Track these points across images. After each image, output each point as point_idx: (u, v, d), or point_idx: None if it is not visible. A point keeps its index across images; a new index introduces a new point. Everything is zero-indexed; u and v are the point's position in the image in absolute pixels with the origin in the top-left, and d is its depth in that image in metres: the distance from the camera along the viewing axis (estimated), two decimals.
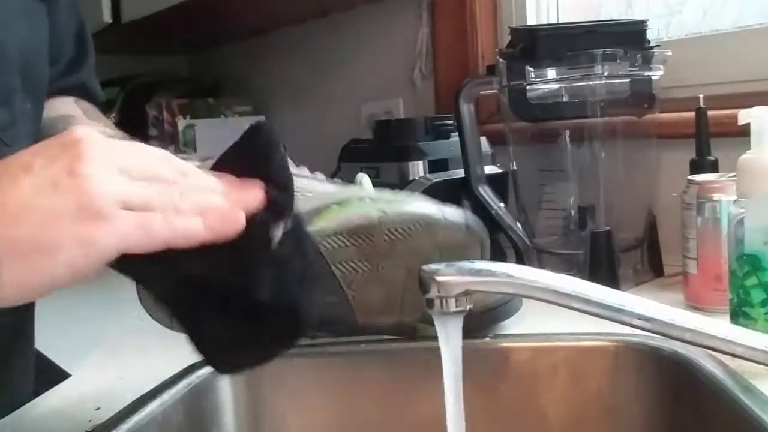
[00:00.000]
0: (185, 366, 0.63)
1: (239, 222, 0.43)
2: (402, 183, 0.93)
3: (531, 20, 1.19)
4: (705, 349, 0.54)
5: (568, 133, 0.90)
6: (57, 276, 0.40)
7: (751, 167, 0.60)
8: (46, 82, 0.67)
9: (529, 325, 0.70)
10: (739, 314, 0.62)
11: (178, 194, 0.43)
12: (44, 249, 0.40)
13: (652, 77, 0.85)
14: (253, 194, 0.45)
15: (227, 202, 0.44)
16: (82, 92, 0.74)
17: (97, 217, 0.40)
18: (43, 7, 0.65)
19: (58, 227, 0.40)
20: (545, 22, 1.19)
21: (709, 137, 0.84)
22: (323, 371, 0.67)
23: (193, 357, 0.64)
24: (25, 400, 0.63)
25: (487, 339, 0.67)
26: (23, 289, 0.41)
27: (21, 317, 0.70)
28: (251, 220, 0.43)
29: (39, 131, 0.65)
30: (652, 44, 0.85)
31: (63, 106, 0.71)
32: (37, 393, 0.64)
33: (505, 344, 0.66)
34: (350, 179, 0.70)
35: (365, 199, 0.59)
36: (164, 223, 0.42)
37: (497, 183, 0.97)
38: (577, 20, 1.14)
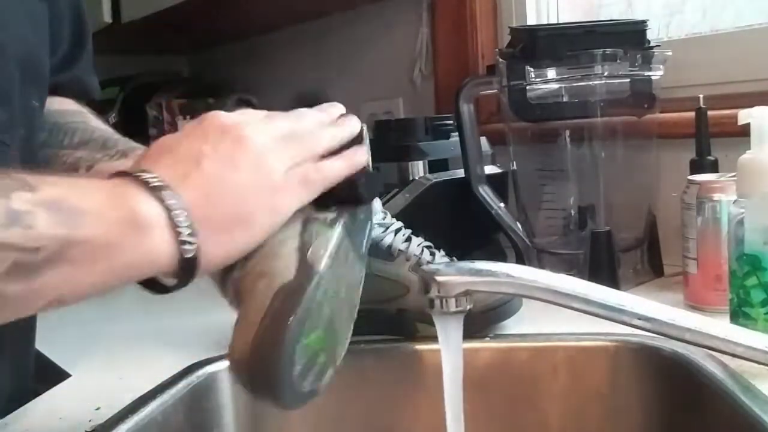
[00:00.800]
0: (185, 366, 0.63)
1: (365, 155, 0.55)
2: (402, 183, 0.93)
3: (531, 20, 1.19)
4: (705, 349, 0.55)
5: (568, 133, 0.90)
6: (254, 242, 0.47)
7: (751, 167, 0.60)
8: (48, 79, 0.67)
9: (529, 325, 0.70)
10: (739, 314, 0.62)
11: (322, 138, 0.52)
12: (241, 224, 0.46)
13: (652, 77, 0.85)
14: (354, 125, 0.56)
15: (347, 134, 0.54)
16: (77, 87, 0.74)
17: (278, 187, 0.47)
18: (44, 6, 0.65)
19: (251, 203, 0.46)
20: (545, 22, 1.18)
21: (709, 137, 0.84)
22: None
23: (193, 357, 0.65)
24: (24, 400, 0.63)
25: (487, 339, 0.67)
26: (227, 257, 0.47)
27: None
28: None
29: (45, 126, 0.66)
30: (652, 44, 0.85)
31: (65, 103, 0.72)
32: (37, 393, 0.64)
33: (505, 344, 0.66)
34: None
35: None
36: (318, 174, 0.50)
37: (497, 183, 0.97)
38: (577, 20, 1.14)
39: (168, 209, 0.43)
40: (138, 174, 0.45)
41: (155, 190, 0.44)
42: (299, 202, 0.49)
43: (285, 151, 0.49)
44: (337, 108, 0.57)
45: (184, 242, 0.43)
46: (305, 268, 0.47)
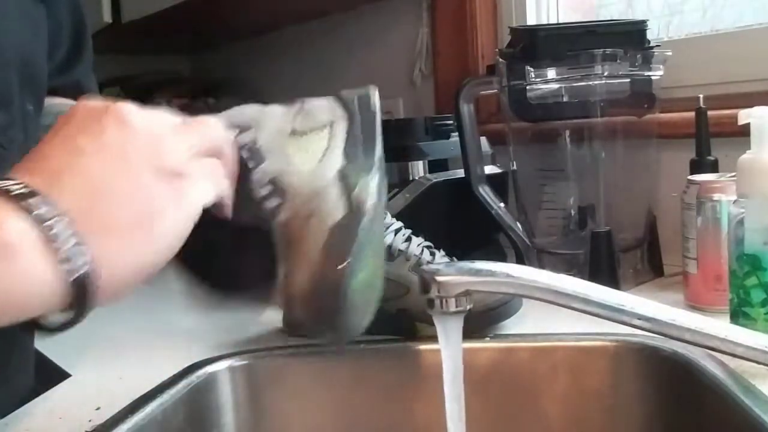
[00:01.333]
0: (185, 366, 0.63)
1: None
2: (402, 183, 0.93)
3: (531, 20, 1.19)
4: (705, 349, 0.54)
5: (568, 133, 0.90)
6: (165, 245, 0.39)
7: (751, 167, 0.60)
8: (45, 83, 0.67)
9: (529, 325, 0.70)
10: (739, 314, 0.62)
11: (219, 138, 0.45)
12: (144, 222, 0.38)
13: (652, 77, 0.85)
14: None
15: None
16: (75, 91, 0.74)
17: (175, 175, 0.39)
18: (42, 8, 0.65)
19: (149, 198, 0.38)
20: (545, 22, 1.18)
21: (709, 137, 0.83)
22: (323, 371, 0.67)
23: (193, 357, 0.65)
24: (24, 397, 0.63)
25: (487, 339, 0.67)
26: (135, 270, 0.38)
27: None
28: None
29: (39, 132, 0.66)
30: (652, 44, 0.85)
31: (62, 102, 0.72)
32: (37, 393, 0.64)
33: (505, 344, 0.66)
34: None
35: None
36: (224, 168, 0.44)
37: (497, 183, 0.97)
38: (577, 20, 1.14)
39: (39, 221, 0.34)
40: (7, 184, 0.35)
41: (19, 199, 0.34)
42: (204, 196, 0.41)
43: (184, 135, 0.42)
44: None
45: (66, 260, 0.34)
46: (353, 207, 0.48)
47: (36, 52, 0.64)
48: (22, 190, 0.35)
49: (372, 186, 0.50)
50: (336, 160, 0.50)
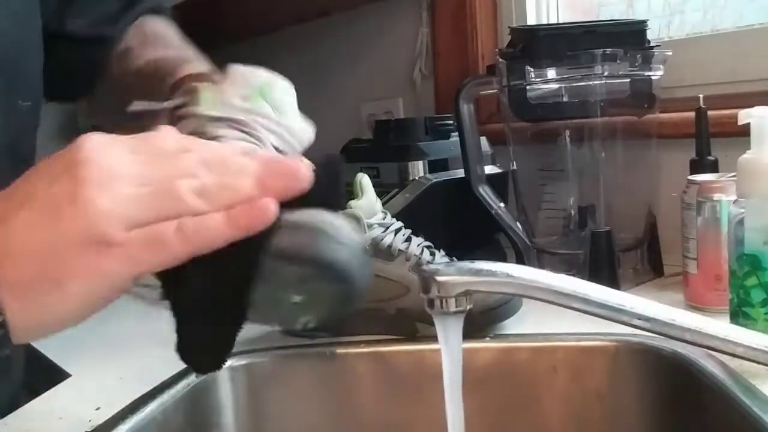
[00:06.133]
0: (185, 366, 0.63)
1: (270, 214, 0.39)
2: (402, 183, 0.93)
3: (531, 20, 1.19)
4: (705, 349, 0.54)
5: (568, 133, 0.90)
6: (70, 311, 0.38)
7: (751, 167, 0.60)
8: (40, 75, 0.66)
9: (529, 325, 0.70)
10: (739, 314, 0.62)
11: (196, 193, 0.39)
12: (49, 286, 0.37)
13: (652, 77, 0.85)
14: (290, 178, 0.40)
15: (258, 187, 0.39)
16: (159, 12, 0.75)
17: (102, 244, 0.37)
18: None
19: (61, 262, 0.37)
20: (545, 22, 1.18)
21: (709, 137, 0.83)
22: (323, 371, 0.67)
23: None
24: (15, 391, 0.63)
25: (487, 339, 0.67)
26: (36, 328, 0.39)
27: None
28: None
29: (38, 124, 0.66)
30: (652, 44, 0.85)
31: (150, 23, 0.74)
32: (37, 393, 0.64)
33: (505, 344, 0.66)
34: (350, 179, 0.70)
35: None
36: (178, 235, 0.38)
37: (497, 183, 0.97)
38: (577, 20, 1.14)
39: None
40: None
41: None
42: (135, 268, 0.38)
43: (141, 200, 0.38)
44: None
45: None
46: None
47: (22, 47, 0.63)
48: None
49: None
50: None
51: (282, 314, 0.47)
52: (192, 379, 0.61)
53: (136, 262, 0.38)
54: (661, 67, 0.85)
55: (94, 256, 0.37)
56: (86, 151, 0.38)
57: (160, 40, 0.74)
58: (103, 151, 0.39)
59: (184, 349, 0.45)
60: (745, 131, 0.60)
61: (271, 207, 0.38)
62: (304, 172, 0.40)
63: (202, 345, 0.45)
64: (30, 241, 0.37)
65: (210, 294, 0.42)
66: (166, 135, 0.42)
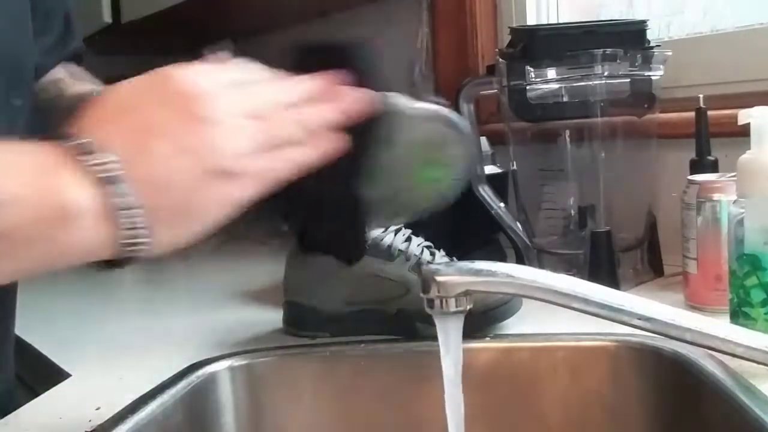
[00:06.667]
0: (185, 366, 0.63)
1: (343, 142, 0.47)
2: None
3: (531, 20, 1.19)
4: (705, 349, 0.54)
5: (568, 133, 0.90)
6: (198, 233, 0.44)
7: (751, 167, 0.60)
8: (32, 75, 0.67)
9: (529, 325, 0.70)
10: (739, 314, 0.62)
11: (291, 123, 0.46)
12: (190, 214, 0.42)
13: (652, 77, 0.85)
14: (355, 101, 0.48)
15: (334, 113, 0.47)
16: (75, 60, 0.76)
17: (230, 176, 0.42)
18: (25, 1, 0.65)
19: (199, 193, 0.42)
20: (545, 22, 1.18)
21: (709, 137, 0.83)
22: (323, 371, 0.67)
23: (193, 357, 0.65)
24: (9, 385, 0.63)
25: (487, 339, 0.67)
26: (175, 243, 0.43)
27: (1, 302, 0.69)
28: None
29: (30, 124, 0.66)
30: (652, 44, 0.85)
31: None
32: (36, 393, 0.64)
33: (505, 344, 0.66)
34: None
35: None
36: (285, 161, 0.45)
37: (497, 183, 0.97)
38: (577, 20, 1.14)
39: (113, 202, 0.39)
40: (79, 144, 0.40)
41: (102, 184, 0.39)
42: (256, 191, 0.44)
43: (250, 133, 0.44)
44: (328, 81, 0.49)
45: (129, 242, 0.40)
46: None
47: (17, 43, 0.64)
48: (104, 174, 0.39)
49: None
50: None
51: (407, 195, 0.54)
52: (192, 379, 0.61)
53: (256, 189, 0.44)
54: (661, 67, 0.85)
55: (224, 188, 0.43)
56: (193, 82, 0.43)
57: (87, 77, 0.76)
58: (213, 83, 0.44)
59: (327, 246, 0.54)
60: (745, 131, 0.60)
61: (342, 138, 0.47)
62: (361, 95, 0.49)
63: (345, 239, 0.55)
64: (171, 173, 0.41)
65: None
66: (248, 67, 0.49)
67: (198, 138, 0.42)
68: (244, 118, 0.44)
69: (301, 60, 0.51)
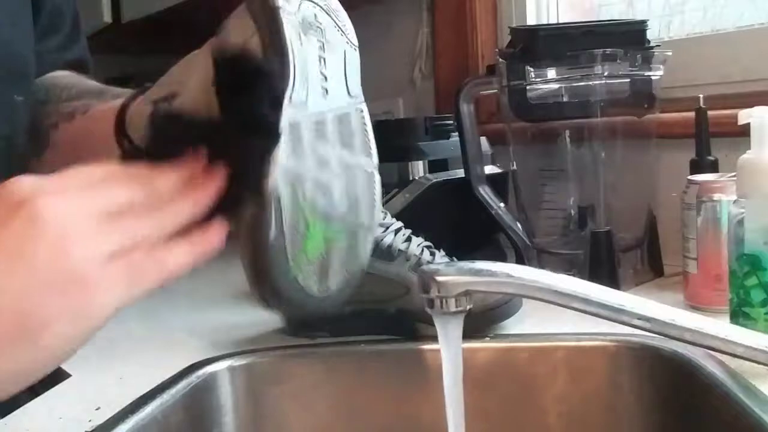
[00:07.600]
0: (185, 366, 0.63)
1: (221, 233, 0.42)
2: (402, 183, 0.93)
3: (531, 20, 1.19)
4: (705, 349, 0.54)
5: (568, 133, 0.90)
6: (51, 359, 0.37)
7: (751, 167, 0.60)
8: (32, 72, 0.67)
9: (529, 325, 0.70)
10: (739, 314, 0.62)
11: (150, 222, 0.40)
12: (30, 334, 0.35)
13: (652, 77, 0.85)
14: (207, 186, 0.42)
15: (195, 208, 0.42)
16: (80, 68, 0.75)
17: (89, 282, 0.36)
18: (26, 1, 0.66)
19: (41, 306, 0.35)
20: (545, 22, 1.18)
21: (709, 137, 0.83)
22: (323, 371, 0.67)
23: (193, 357, 0.65)
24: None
25: (487, 339, 0.67)
26: (15, 382, 0.37)
27: None
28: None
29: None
30: (652, 44, 0.85)
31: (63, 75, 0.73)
32: (37, 393, 0.64)
33: (505, 344, 0.66)
34: None
35: None
36: (154, 264, 0.39)
37: (497, 183, 0.97)
38: (577, 20, 1.14)
39: None
40: None
41: None
42: (120, 301, 0.38)
43: (106, 233, 0.37)
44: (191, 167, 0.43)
45: None
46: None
47: (18, 42, 0.64)
48: None
49: None
50: None
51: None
52: (192, 379, 0.61)
53: (119, 297, 0.38)
54: (661, 67, 0.85)
55: (76, 296, 0.36)
56: (29, 188, 0.37)
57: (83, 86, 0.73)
58: (55, 185, 0.38)
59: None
60: (745, 131, 0.60)
61: (220, 231, 0.42)
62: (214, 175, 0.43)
63: None
64: (5, 291, 0.35)
65: None
66: (91, 167, 0.41)
67: (36, 240, 0.35)
68: (102, 216, 0.38)
69: (165, 131, 0.48)
